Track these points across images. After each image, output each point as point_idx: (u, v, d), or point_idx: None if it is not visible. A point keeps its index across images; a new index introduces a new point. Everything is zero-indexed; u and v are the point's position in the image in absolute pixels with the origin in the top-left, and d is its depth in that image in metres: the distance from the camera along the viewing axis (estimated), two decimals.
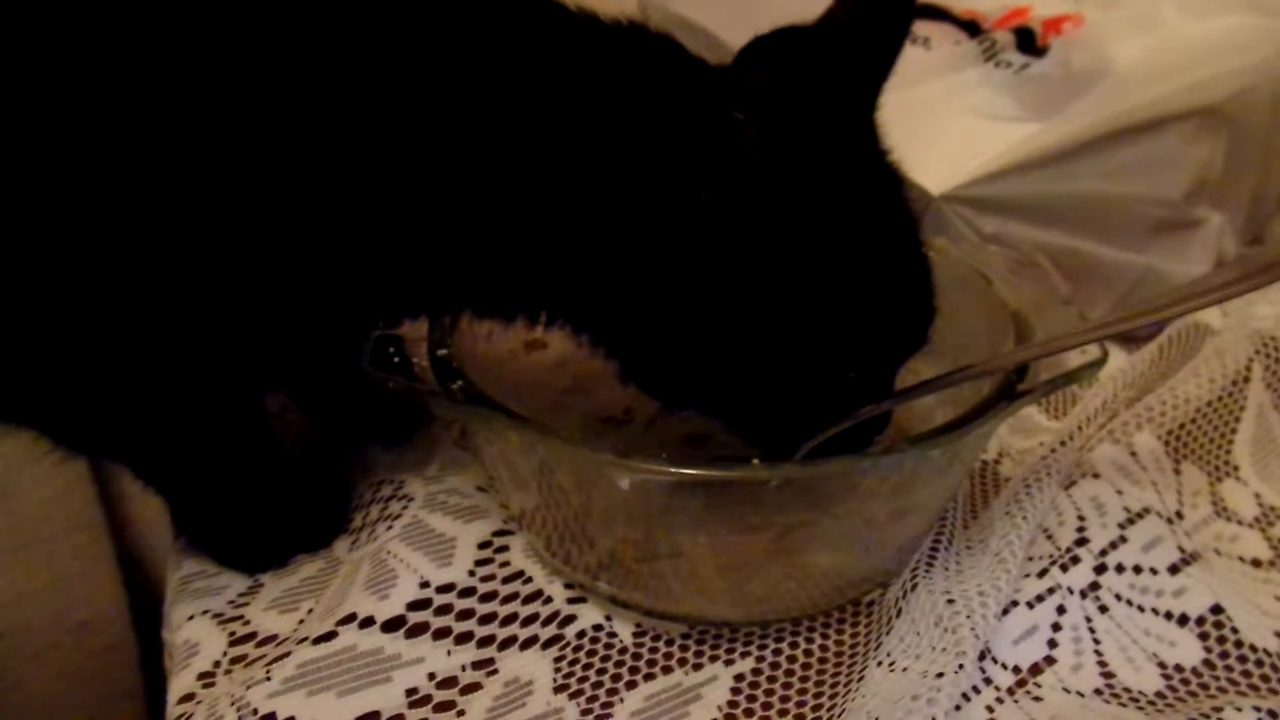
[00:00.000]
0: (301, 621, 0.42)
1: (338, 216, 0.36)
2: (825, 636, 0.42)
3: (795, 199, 0.35)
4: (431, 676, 0.40)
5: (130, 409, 0.40)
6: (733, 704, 0.39)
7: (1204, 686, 0.40)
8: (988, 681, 0.39)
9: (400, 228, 0.37)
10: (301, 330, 0.40)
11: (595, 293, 0.38)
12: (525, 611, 0.42)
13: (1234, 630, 0.41)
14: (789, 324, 0.37)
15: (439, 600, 0.42)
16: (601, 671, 0.40)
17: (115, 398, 0.39)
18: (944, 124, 0.59)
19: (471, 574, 0.44)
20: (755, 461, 0.36)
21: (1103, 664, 0.40)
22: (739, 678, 0.40)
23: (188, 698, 0.39)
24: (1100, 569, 0.43)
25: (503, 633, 0.41)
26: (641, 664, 0.41)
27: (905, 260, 0.39)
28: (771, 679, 0.40)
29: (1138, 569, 0.43)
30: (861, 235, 0.38)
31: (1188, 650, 0.41)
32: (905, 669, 0.38)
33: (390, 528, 0.45)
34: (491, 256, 0.38)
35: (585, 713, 0.39)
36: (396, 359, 0.41)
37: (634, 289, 0.37)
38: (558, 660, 0.41)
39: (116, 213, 0.34)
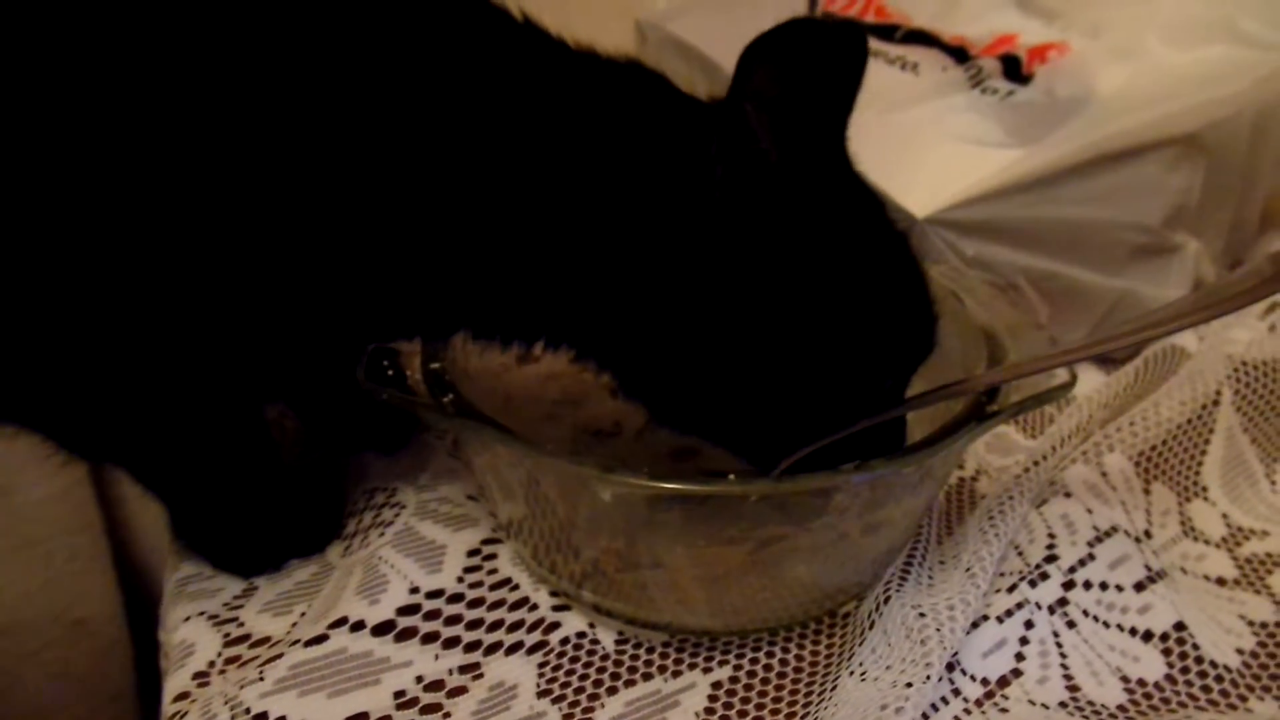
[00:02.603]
0: (294, 624, 0.43)
1: (337, 243, 0.37)
2: (801, 646, 0.43)
3: (802, 196, 0.36)
4: (419, 679, 0.41)
5: (131, 417, 0.41)
6: (710, 710, 0.40)
7: (1165, 701, 0.41)
8: (956, 693, 0.41)
9: (400, 254, 0.38)
10: (299, 346, 0.42)
11: (598, 312, 0.39)
12: (511, 618, 0.44)
13: (1195, 647, 0.43)
14: (801, 325, 0.38)
15: (428, 606, 0.44)
16: (584, 677, 0.42)
17: (117, 406, 0.40)
18: (929, 148, 0.61)
19: (460, 581, 0.45)
20: (731, 476, 0.38)
21: (1068, 677, 0.42)
22: (716, 685, 0.41)
23: (183, 696, 0.40)
24: (1068, 585, 0.44)
25: (489, 638, 0.43)
26: (623, 671, 0.42)
27: (905, 269, 0.40)
28: (748, 687, 0.41)
29: (1104, 586, 0.44)
30: (864, 237, 0.39)
31: (1151, 665, 0.42)
32: (876, 679, 0.39)
33: (382, 534, 0.47)
34: (490, 285, 0.39)
35: (567, 717, 0.40)
36: (391, 372, 0.42)
37: (642, 304, 0.38)
38: (542, 666, 0.42)
39: (121, 228, 0.35)
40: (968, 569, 0.43)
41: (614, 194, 0.37)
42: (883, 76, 0.66)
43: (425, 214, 0.37)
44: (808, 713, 0.40)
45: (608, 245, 0.37)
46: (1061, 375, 0.41)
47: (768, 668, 0.42)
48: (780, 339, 0.38)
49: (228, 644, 0.42)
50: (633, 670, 0.42)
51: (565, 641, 0.43)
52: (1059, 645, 0.43)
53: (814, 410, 0.39)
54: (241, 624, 0.43)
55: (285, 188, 0.36)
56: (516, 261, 0.38)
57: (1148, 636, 0.43)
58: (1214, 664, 0.42)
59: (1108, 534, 0.46)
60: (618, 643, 0.43)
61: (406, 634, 0.42)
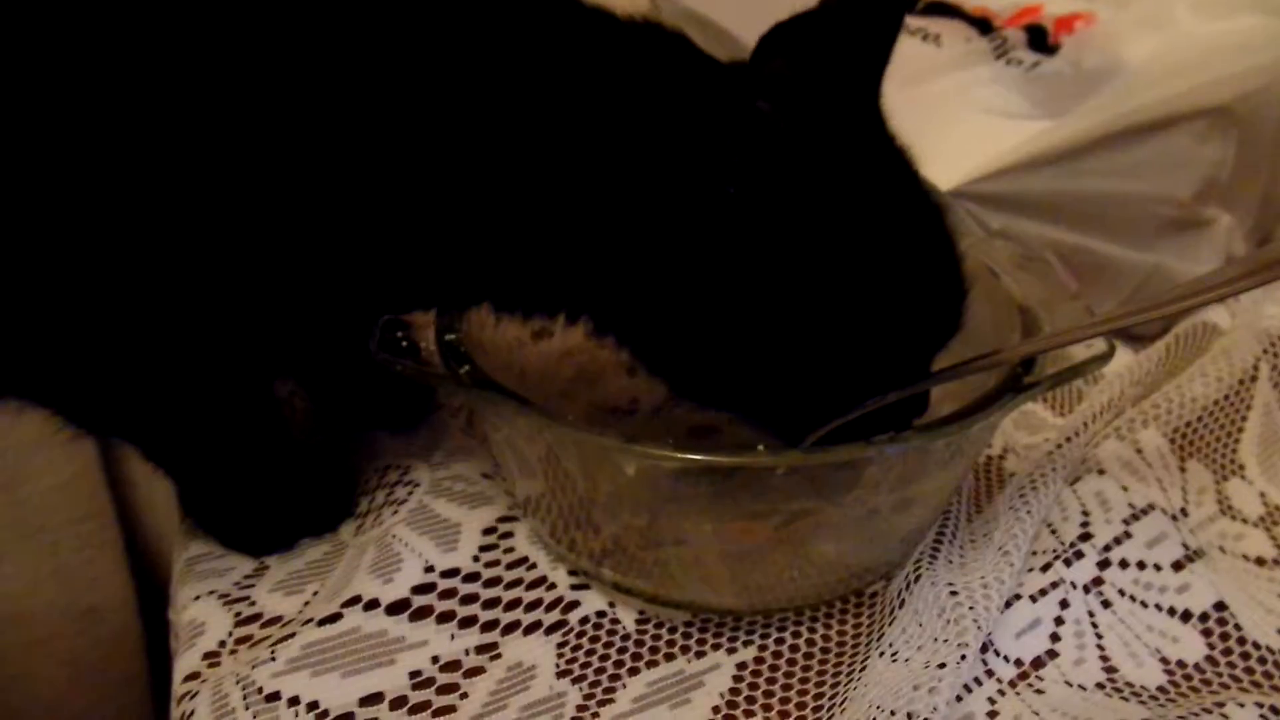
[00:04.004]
0: (307, 603, 0.42)
1: (354, 212, 0.36)
2: (828, 626, 0.42)
3: (820, 187, 0.35)
4: (435, 659, 0.40)
5: (140, 392, 0.40)
6: (735, 691, 0.39)
7: (1206, 682, 0.40)
8: (990, 674, 0.39)
9: (416, 224, 0.37)
10: (313, 318, 0.41)
11: (617, 288, 0.38)
12: (529, 597, 0.43)
13: (1237, 627, 0.41)
14: (819, 312, 0.37)
15: (443, 585, 0.43)
16: (604, 658, 0.40)
17: (126, 381, 0.39)
18: (954, 120, 0.60)
19: (476, 559, 0.44)
20: (760, 448, 0.36)
21: (1105, 658, 0.40)
22: (741, 666, 0.40)
23: (193, 676, 0.39)
24: (1104, 564, 0.43)
25: (506, 618, 0.42)
26: (644, 651, 0.41)
27: (932, 246, 0.39)
28: (774, 668, 0.40)
29: (1141, 565, 0.43)
30: (886, 221, 0.38)
31: (1190, 646, 0.41)
32: (907, 659, 0.38)
33: (396, 513, 0.46)
34: (510, 256, 0.38)
35: (588, 698, 0.39)
36: (405, 343, 0.41)
37: (661, 283, 0.37)
38: (560, 646, 0.41)
39: (131, 198, 0.34)
40: (1000, 547, 0.41)
41: (638, 161, 0.36)
42: (904, 49, 0.63)
43: (445, 182, 0.36)
44: (836, 694, 0.39)
45: (632, 213, 0.36)
46: (1099, 345, 0.40)
47: (794, 648, 0.41)
48: (806, 310, 0.37)
49: (239, 623, 0.41)
50: (654, 650, 0.41)
51: (585, 621, 0.42)
52: (1095, 625, 0.41)
53: (839, 383, 0.38)
54: (253, 603, 0.42)
55: (298, 155, 0.35)
56: (539, 230, 0.37)
57: (1186, 616, 0.42)
58: (1256, 645, 0.41)
59: (1144, 512, 0.44)
60: (639, 622, 0.42)
61: (422, 613, 0.41)
